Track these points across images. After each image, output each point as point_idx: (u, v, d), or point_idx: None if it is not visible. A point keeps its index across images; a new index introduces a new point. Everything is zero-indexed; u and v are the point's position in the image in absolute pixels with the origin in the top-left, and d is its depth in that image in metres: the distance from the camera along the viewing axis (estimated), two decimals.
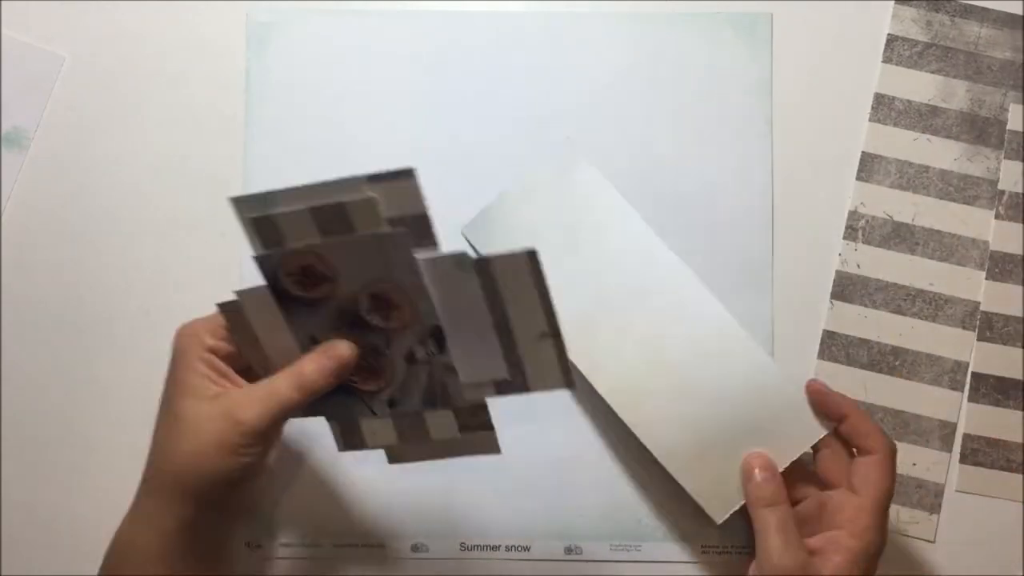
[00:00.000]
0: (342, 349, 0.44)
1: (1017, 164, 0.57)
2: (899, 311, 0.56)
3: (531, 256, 0.42)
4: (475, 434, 0.46)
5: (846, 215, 0.56)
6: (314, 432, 0.54)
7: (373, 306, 0.44)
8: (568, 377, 0.44)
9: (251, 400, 0.43)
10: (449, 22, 0.57)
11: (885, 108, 0.57)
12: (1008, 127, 0.57)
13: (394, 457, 0.48)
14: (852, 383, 0.55)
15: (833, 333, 0.56)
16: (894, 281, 0.56)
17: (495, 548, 0.54)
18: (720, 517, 0.50)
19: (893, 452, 0.48)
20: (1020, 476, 0.55)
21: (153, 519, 0.44)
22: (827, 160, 0.57)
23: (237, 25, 0.57)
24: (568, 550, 0.54)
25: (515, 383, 0.44)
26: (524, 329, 0.43)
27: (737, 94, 0.57)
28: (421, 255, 0.42)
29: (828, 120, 0.57)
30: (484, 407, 0.46)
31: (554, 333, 0.43)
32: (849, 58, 0.57)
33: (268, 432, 0.44)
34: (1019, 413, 0.55)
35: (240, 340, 0.46)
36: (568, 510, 0.55)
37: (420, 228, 0.42)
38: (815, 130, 0.57)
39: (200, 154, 0.56)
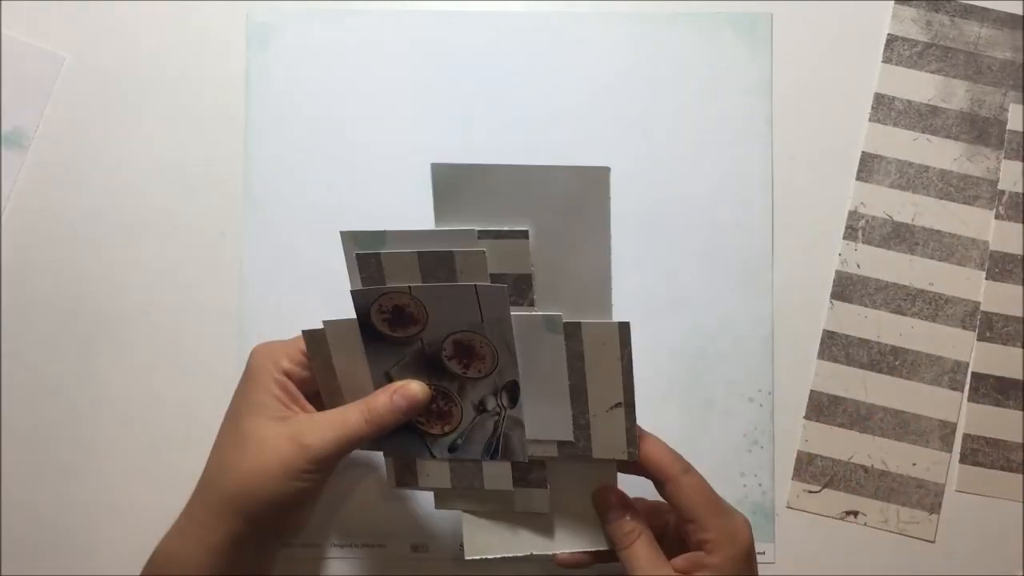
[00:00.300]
0: (416, 390, 0.44)
1: (1017, 164, 0.57)
2: (899, 311, 0.56)
3: (623, 328, 0.42)
4: (528, 490, 0.46)
5: (846, 215, 0.56)
6: None
7: (455, 352, 0.44)
8: (632, 449, 0.44)
9: (320, 426, 0.43)
10: (449, 22, 0.57)
11: (885, 108, 0.57)
12: (1008, 127, 0.57)
13: (442, 501, 0.48)
14: (852, 383, 0.55)
15: (833, 333, 0.56)
16: (894, 281, 0.56)
17: None
18: (469, 554, 0.48)
19: (685, 471, 0.44)
20: (1020, 476, 0.55)
21: (203, 534, 0.44)
22: (827, 160, 0.57)
23: (237, 25, 0.57)
24: None
25: (578, 447, 0.45)
26: (599, 397, 0.44)
27: (737, 94, 0.57)
28: (515, 311, 0.43)
29: (828, 120, 0.57)
30: (543, 465, 0.46)
31: (628, 403, 0.44)
32: (849, 58, 0.57)
33: (331, 460, 0.44)
34: (1019, 413, 0.55)
35: (316, 368, 0.46)
36: None
37: (521, 286, 0.43)
38: (815, 130, 0.57)
39: (200, 154, 0.56)
